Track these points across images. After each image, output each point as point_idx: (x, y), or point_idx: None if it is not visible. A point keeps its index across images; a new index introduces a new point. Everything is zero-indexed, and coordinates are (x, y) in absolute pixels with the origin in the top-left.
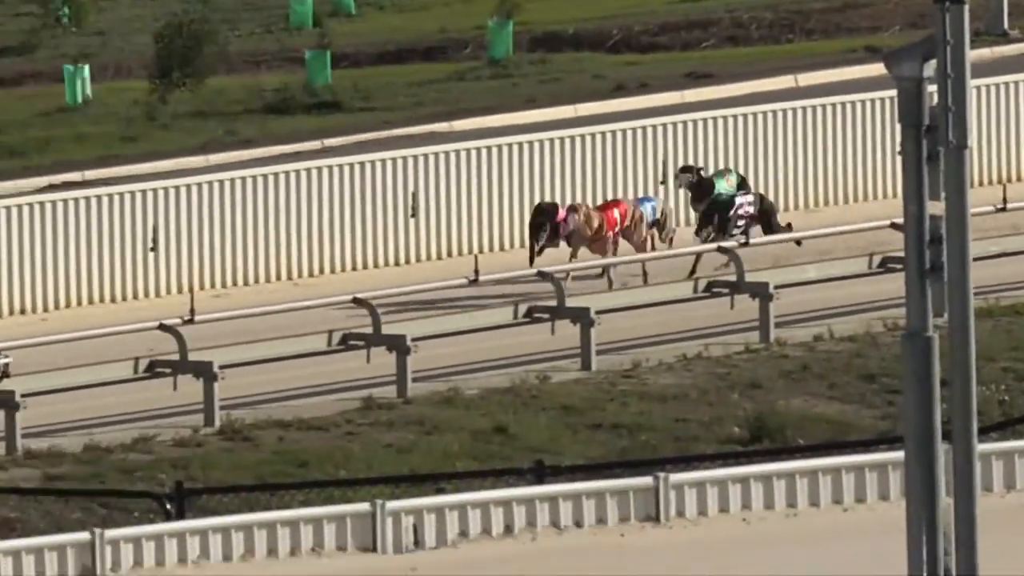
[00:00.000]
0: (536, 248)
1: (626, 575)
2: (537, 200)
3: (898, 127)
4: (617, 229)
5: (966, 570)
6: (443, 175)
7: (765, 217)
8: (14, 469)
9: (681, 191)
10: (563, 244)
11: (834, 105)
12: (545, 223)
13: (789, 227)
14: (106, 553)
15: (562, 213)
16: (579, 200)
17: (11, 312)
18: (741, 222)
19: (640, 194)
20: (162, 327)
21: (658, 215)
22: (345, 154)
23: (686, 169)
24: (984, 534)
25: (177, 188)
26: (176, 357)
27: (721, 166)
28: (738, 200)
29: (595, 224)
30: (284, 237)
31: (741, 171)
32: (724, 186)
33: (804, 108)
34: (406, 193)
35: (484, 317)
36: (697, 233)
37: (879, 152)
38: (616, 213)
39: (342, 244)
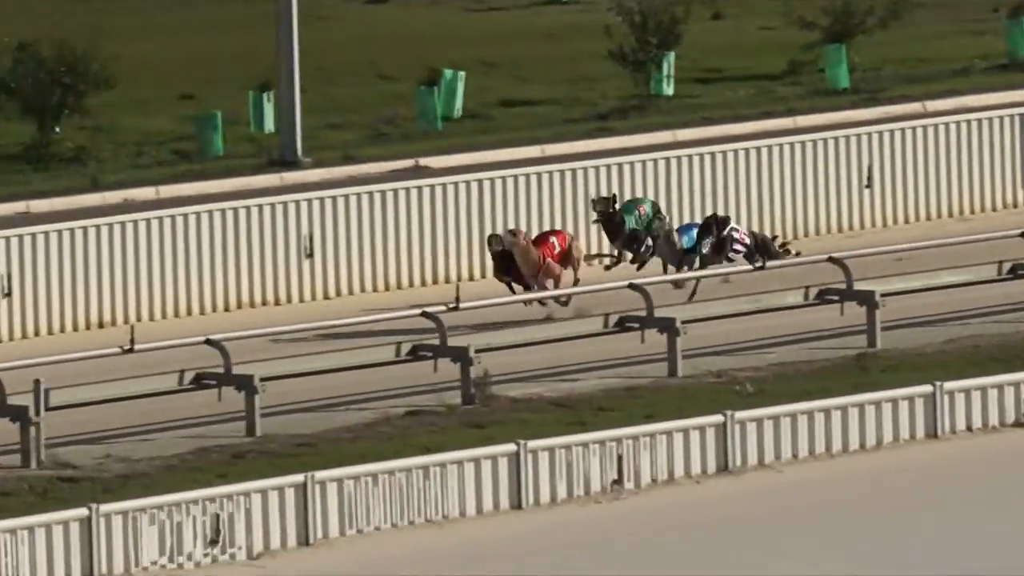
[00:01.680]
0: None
1: None
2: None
3: None
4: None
5: None
6: None
7: (763, 249)
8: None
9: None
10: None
11: None
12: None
13: (787, 251)
14: None
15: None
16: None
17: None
18: (738, 247)
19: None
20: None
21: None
22: None
23: (602, 200)
24: None
25: None
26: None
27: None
28: (735, 226)
29: (533, 254)
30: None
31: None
32: (636, 216)
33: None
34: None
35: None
36: (637, 266)
37: None
38: (553, 241)
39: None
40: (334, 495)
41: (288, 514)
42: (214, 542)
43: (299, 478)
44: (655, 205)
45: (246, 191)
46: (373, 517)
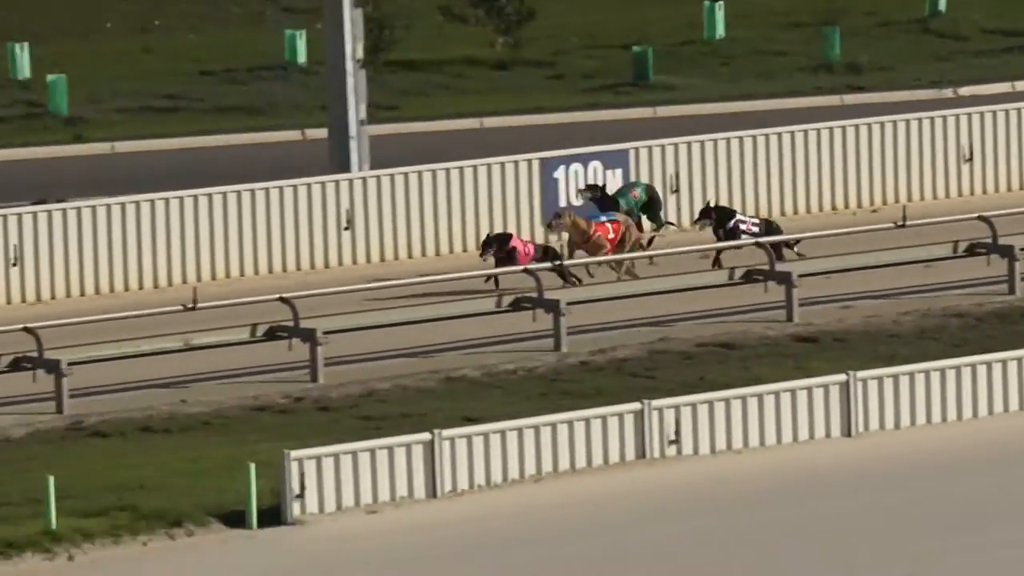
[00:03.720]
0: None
1: None
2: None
3: None
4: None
5: None
6: None
7: (772, 233)
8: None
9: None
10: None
11: None
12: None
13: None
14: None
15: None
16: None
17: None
18: (745, 237)
19: None
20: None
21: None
22: None
23: (590, 187)
24: None
25: None
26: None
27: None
28: (742, 216)
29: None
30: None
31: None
32: (630, 200)
33: None
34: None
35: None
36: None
37: None
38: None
39: None
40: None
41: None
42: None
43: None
44: (650, 188)
45: None
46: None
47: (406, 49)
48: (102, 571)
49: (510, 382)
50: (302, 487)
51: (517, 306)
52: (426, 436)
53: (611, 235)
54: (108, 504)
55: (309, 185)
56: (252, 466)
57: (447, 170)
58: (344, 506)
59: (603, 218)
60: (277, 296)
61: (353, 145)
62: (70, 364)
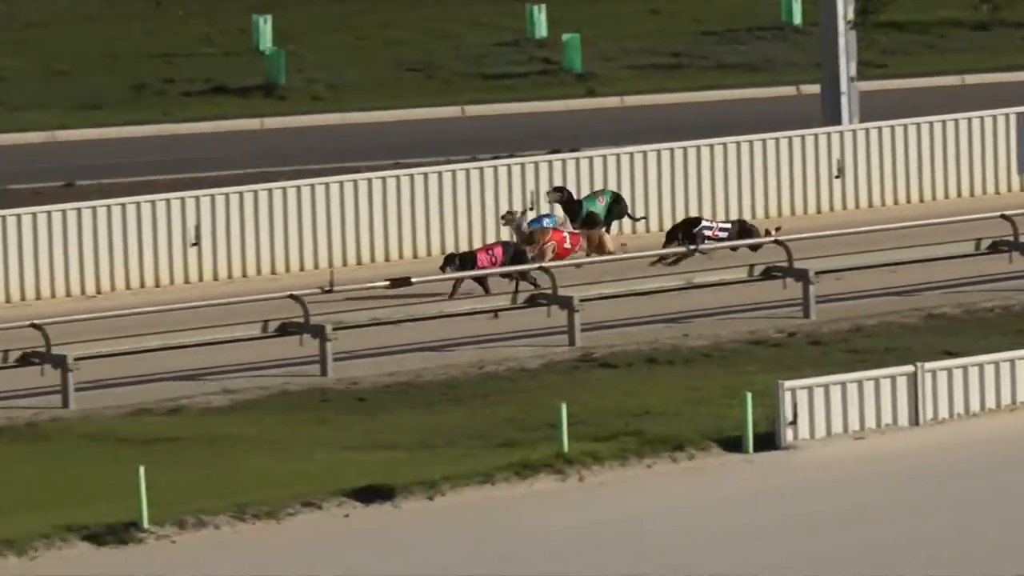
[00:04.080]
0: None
1: None
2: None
3: None
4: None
5: None
6: None
7: (746, 234)
8: None
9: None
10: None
11: None
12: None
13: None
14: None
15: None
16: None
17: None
18: (709, 241)
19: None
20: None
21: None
22: None
23: (558, 189)
24: None
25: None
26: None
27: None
28: (708, 223)
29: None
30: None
31: None
32: (596, 205)
33: None
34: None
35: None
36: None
37: None
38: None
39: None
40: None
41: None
42: None
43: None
44: (615, 195)
45: None
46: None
47: (894, 11)
48: (609, 491)
49: (988, 319)
50: (794, 414)
51: (995, 249)
52: (909, 368)
53: (567, 245)
54: (616, 429)
55: (803, 137)
56: (748, 395)
57: (931, 123)
58: (833, 432)
59: (546, 222)
60: (771, 239)
61: (844, 100)
62: (581, 300)
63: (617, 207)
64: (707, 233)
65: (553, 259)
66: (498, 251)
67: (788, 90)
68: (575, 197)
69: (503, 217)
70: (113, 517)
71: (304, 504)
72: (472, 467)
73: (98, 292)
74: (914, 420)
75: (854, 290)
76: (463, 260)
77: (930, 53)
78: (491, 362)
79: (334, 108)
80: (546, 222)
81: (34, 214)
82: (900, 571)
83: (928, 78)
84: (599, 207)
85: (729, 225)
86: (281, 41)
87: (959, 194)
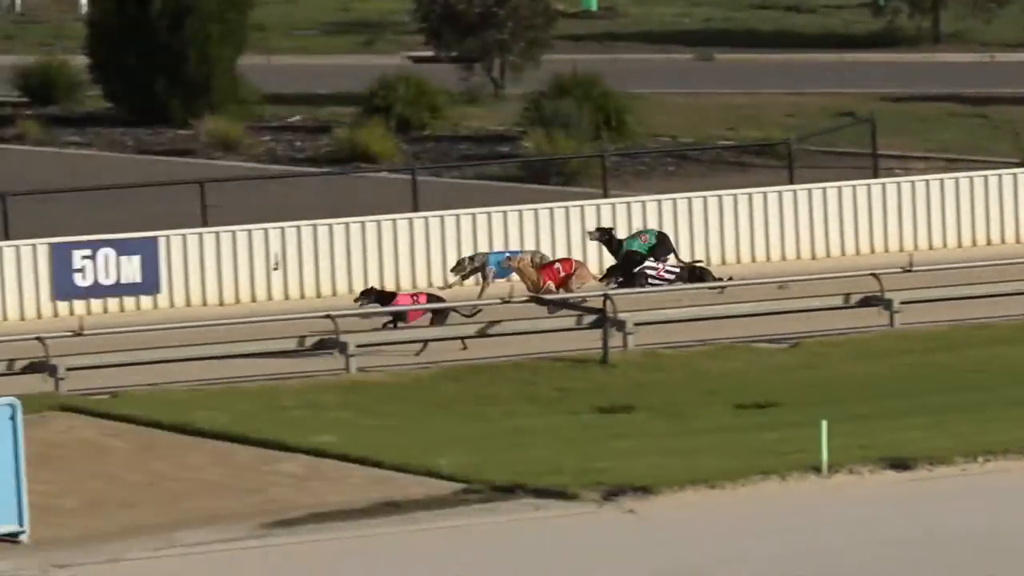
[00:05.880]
0: None
1: None
2: None
3: None
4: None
5: None
6: None
7: (697, 278)
8: None
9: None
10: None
11: None
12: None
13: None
14: None
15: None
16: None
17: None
18: (660, 283)
19: None
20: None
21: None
22: None
23: (599, 229)
24: None
25: None
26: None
27: None
28: (652, 264)
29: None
30: None
31: None
32: (638, 243)
33: None
34: None
35: None
36: (603, 280)
37: None
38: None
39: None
40: None
41: None
42: None
43: None
44: (660, 234)
45: None
46: None
47: None
48: None
49: None
50: None
51: None
52: None
53: (560, 274)
54: None
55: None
56: None
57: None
58: None
59: (508, 254)
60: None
61: None
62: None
63: (662, 246)
64: (650, 273)
65: (556, 282)
66: (422, 299)
67: None
68: (616, 237)
69: (452, 270)
70: None
71: None
72: None
73: None
74: None
75: None
76: (379, 297)
77: None
78: None
79: None
80: (508, 254)
81: None
82: None
83: None
84: (641, 246)
85: (679, 268)
86: None
87: None
